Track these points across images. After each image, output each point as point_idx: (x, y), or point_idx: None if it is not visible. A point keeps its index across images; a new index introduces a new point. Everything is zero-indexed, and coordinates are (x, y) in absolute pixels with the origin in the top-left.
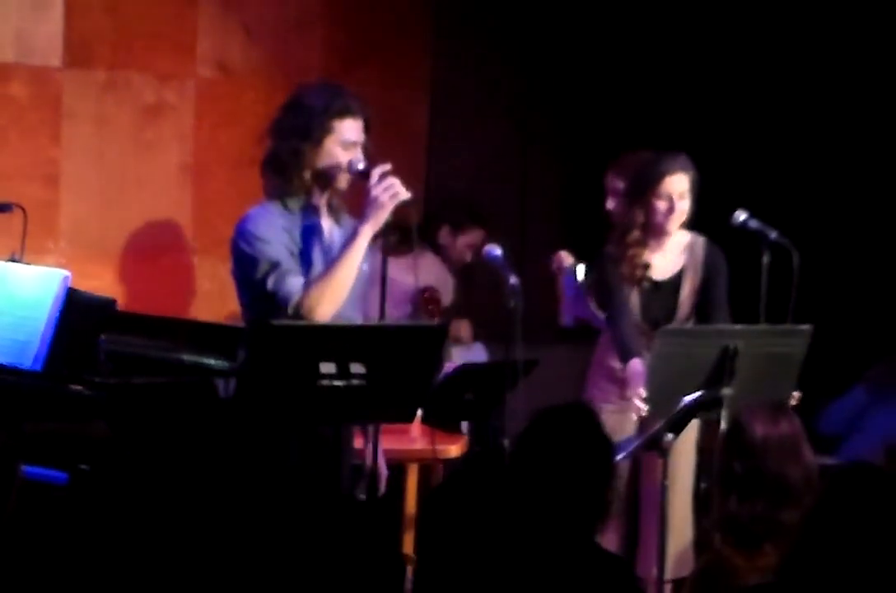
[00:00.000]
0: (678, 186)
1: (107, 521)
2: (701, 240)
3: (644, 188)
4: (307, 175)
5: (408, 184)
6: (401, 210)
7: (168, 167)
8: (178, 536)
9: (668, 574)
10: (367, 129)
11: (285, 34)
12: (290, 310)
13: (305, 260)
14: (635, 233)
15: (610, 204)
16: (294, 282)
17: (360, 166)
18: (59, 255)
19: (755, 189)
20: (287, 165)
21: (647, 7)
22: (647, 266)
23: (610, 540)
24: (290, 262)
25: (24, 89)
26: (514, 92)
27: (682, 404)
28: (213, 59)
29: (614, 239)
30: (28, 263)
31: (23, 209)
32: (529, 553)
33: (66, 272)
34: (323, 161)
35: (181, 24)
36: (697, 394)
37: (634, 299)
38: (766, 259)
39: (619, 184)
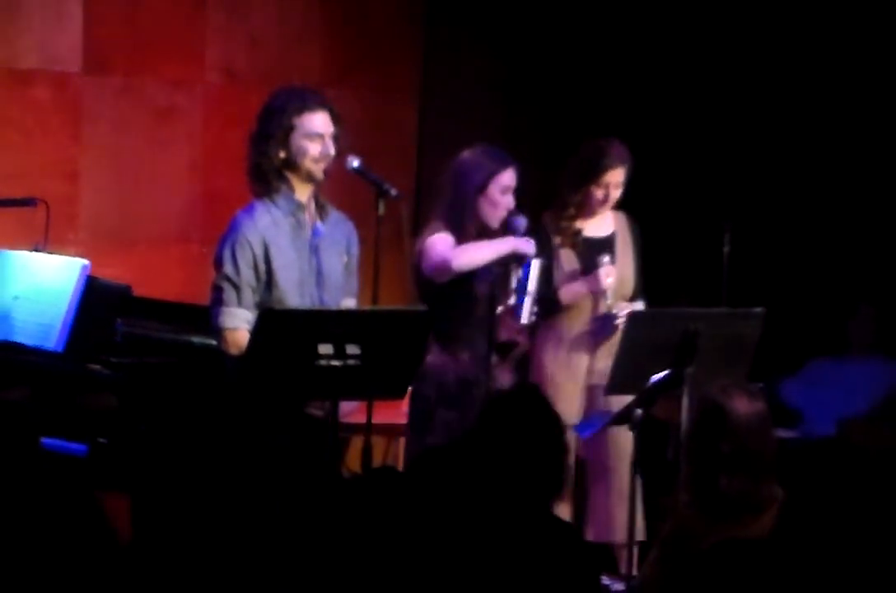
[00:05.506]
0: (616, 179)
1: (123, 490)
2: (621, 212)
3: (586, 177)
4: (284, 172)
5: (400, 181)
6: (392, 205)
7: (179, 165)
8: (188, 506)
9: (618, 538)
10: (336, 121)
11: (287, 43)
12: (215, 333)
13: (285, 255)
14: (570, 211)
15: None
16: (236, 313)
17: (331, 152)
18: (79, 246)
19: (726, 181)
20: (262, 168)
21: (636, 17)
22: (578, 232)
23: (563, 510)
24: (247, 285)
25: (47, 93)
26: (501, 95)
27: (650, 382)
28: (220, 65)
29: (553, 209)
30: (50, 253)
31: (46, 203)
32: (490, 525)
33: (85, 261)
34: (293, 157)
35: (191, 33)
36: (664, 372)
37: (573, 260)
38: (726, 248)
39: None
